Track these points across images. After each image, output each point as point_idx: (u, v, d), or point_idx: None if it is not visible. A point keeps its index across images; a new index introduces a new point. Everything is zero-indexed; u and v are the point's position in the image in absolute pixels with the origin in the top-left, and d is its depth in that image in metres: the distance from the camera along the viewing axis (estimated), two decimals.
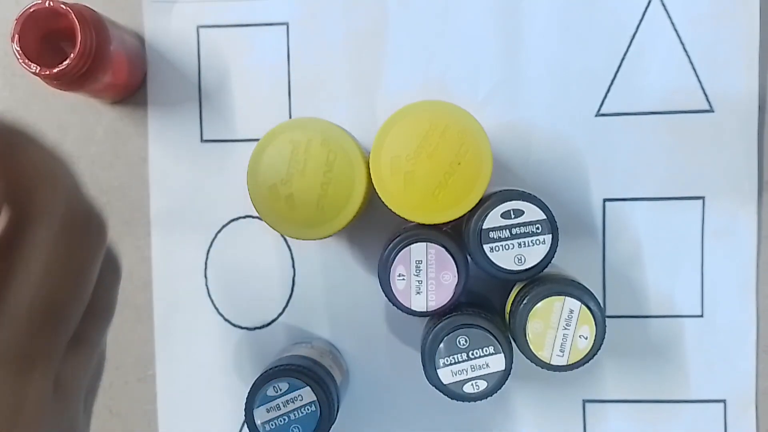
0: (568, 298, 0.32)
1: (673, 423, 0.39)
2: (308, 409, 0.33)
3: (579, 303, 0.32)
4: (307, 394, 0.33)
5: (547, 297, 0.32)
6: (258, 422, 0.33)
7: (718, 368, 0.39)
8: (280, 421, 0.33)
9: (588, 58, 0.38)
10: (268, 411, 0.33)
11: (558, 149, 0.39)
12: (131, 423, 0.41)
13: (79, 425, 0.21)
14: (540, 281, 0.33)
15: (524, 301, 0.32)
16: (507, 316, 0.35)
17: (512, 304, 0.34)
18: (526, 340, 0.32)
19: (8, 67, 0.40)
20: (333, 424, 0.34)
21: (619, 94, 0.38)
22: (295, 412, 0.33)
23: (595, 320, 0.32)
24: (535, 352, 0.32)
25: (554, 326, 0.32)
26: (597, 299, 0.32)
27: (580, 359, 0.32)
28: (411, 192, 0.32)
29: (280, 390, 0.33)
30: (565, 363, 0.32)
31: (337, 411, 0.34)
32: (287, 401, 0.33)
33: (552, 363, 0.32)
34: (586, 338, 0.32)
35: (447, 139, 0.31)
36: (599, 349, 0.32)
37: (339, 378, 0.36)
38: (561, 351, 0.32)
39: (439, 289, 0.32)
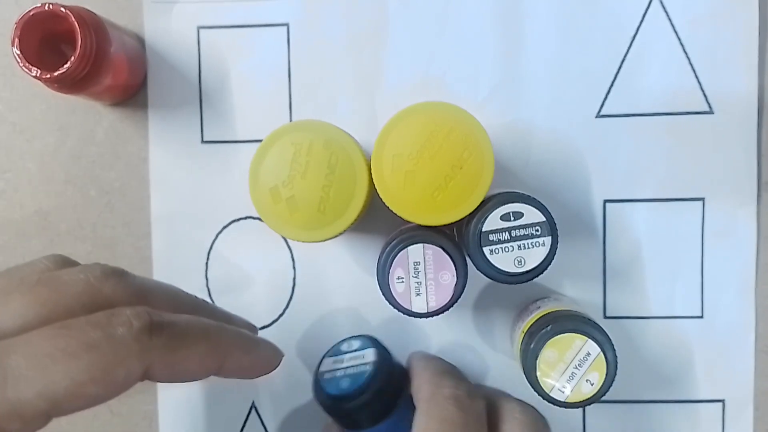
0: (590, 341, 0.32)
1: (671, 423, 0.39)
2: (364, 368, 0.34)
3: (599, 350, 0.32)
4: (369, 355, 0.34)
5: (572, 332, 0.32)
6: (321, 369, 0.35)
7: (717, 368, 0.39)
8: (338, 373, 0.34)
9: (588, 59, 0.38)
10: (334, 362, 0.35)
11: (558, 150, 0.39)
12: (131, 423, 0.41)
13: None
14: (568, 315, 0.33)
15: (547, 327, 0.32)
16: (522, 335, 0.35)
17: (532, 325, 0.34)
18: (536, 364, 0.32)
19: (8, 68, 0.40)
20: (383, 391, 0.34)
21: (619, 95, 0.38)
22: (353, 369, 0.34)
23: (607, 370, 0.32)
24: (539, 379, 0.32)
25: (567, 362, 0.32)
26: (616, 354, 0.32)
27: (578, 402, 0.32)
28: (410, 192, 0.31)
29: (352, 347, 0.35)
30: (562, 399, 0.32)
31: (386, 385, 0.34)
32: (352, 358, 0.35)
33: (551, 395, 0.32)
34: (592, 384, 0.32)
35: (451, 141, 0.31)
36: (599, 399, 0.32)
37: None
38: (563, 388, 0.32)
39: (438, 289, 0.32)
